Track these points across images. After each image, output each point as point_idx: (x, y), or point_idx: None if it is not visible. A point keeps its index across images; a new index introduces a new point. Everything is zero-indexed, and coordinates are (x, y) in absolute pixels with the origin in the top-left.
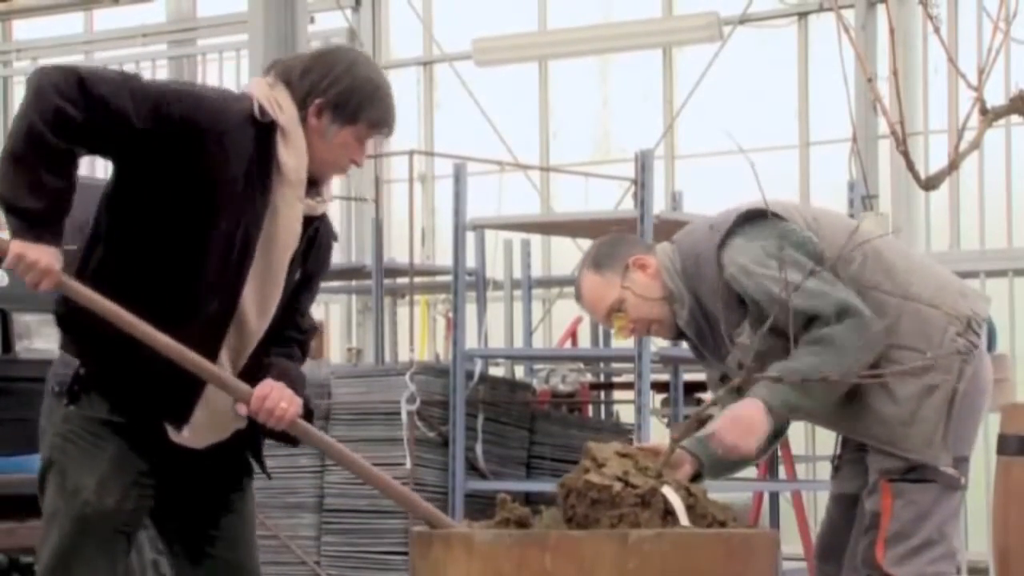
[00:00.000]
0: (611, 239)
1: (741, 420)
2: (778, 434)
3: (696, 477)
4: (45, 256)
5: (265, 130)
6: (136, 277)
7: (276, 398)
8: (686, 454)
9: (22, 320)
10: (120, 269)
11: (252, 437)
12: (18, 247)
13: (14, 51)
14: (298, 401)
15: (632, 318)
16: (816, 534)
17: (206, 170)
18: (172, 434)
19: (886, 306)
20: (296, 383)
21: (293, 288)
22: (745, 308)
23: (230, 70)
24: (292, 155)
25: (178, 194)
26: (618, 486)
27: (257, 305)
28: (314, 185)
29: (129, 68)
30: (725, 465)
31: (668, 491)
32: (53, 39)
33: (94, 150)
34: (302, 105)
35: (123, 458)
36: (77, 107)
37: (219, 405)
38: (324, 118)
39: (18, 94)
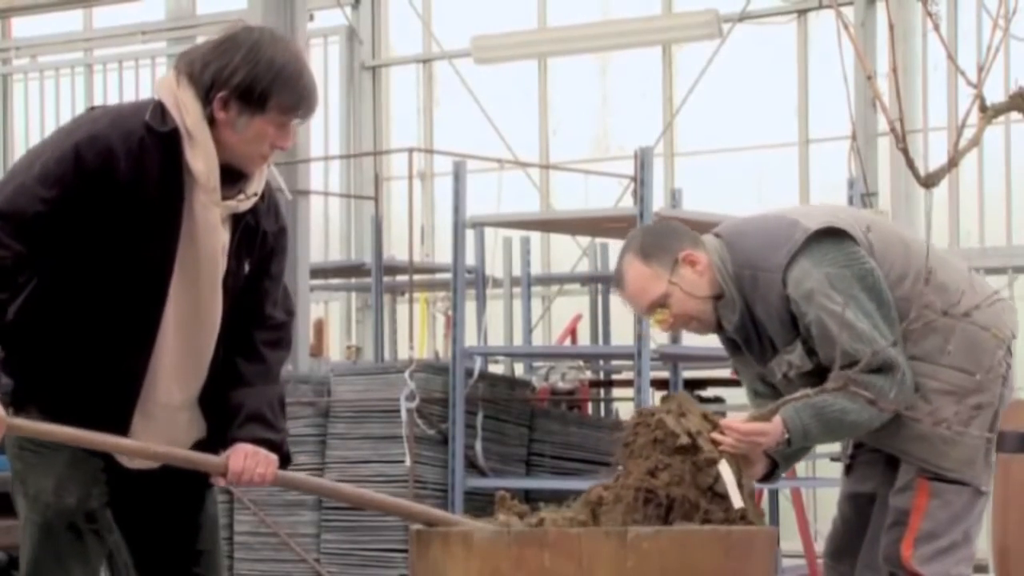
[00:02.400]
0: (659, 227)
1: (758, 434)
2: (789, 457)
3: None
4: None
5: (169, 138)
6: (63, 303)
7: (251, 469)
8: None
9: None
10: (47, 297)
11: (210, 449)
12: None
13: (13, 48)
14: (273, 459)
15: (675, 313)
16: (828, 533)
17: (119, 196)
18: (121, 459)
19: (936, 324)
20: (269, 420)
21: (247, 282)
22: (798, 328)
23: None
24: (200, 159)
25: (95, 220)
26: (685, 439)
27: (194, 315)
28: (239, 179)
29: (128, 65)
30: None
31: (724, 468)
32: (52, 36)
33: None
34: (206, 100)
35: (78, 458)
36: (6, 249)
37: (167, 426)
38: (231, 110)
39: (17, 91)
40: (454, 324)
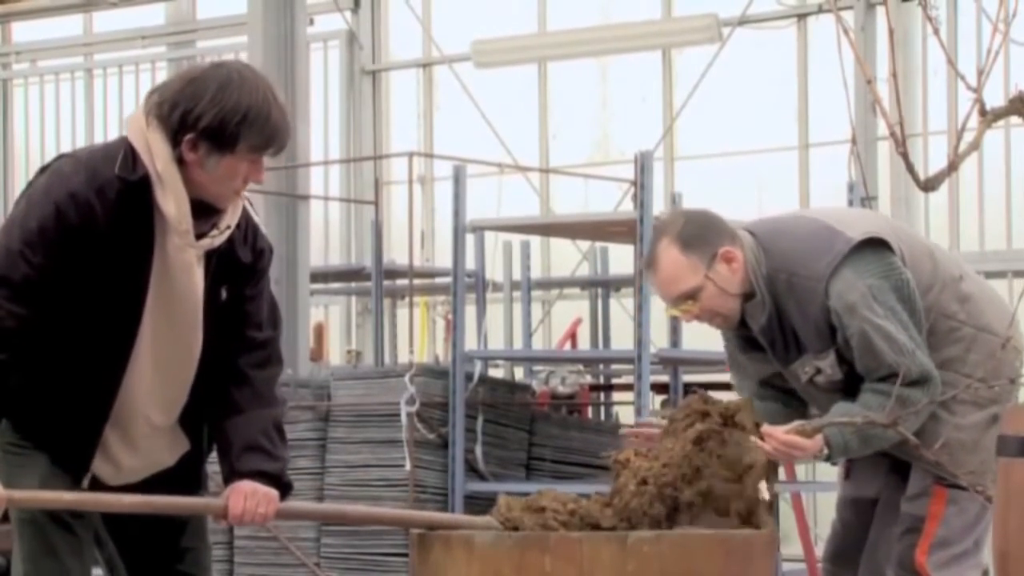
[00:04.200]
0: (701, 216)
1: (797, 447)
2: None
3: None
4: None
5: (140, 185)
6: (38, 334)
7: (252, 510)
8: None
9: None
10: (40, 349)
11: (195, 461)
12: None
13: (13, 53)
14: (273, 496)
15: (704, 307)
16: (827, 537)
17: (97, 244)
18: (104, 476)
19: (959, 333)
20: (267, 448)
21: (227, 307)
22: (834, 338)
23: None
24: (171, 203)
25: (74, 268)
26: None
27: (171, 350)
28: (213, 214)
29: (129, 70)
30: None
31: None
32: (52, 41)
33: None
34: (175, 142)
35: (61, 460)
36: (8, 314)
37: (149, 449)
38: (200, 151)
39: (17, 96)
40: (454, 328)
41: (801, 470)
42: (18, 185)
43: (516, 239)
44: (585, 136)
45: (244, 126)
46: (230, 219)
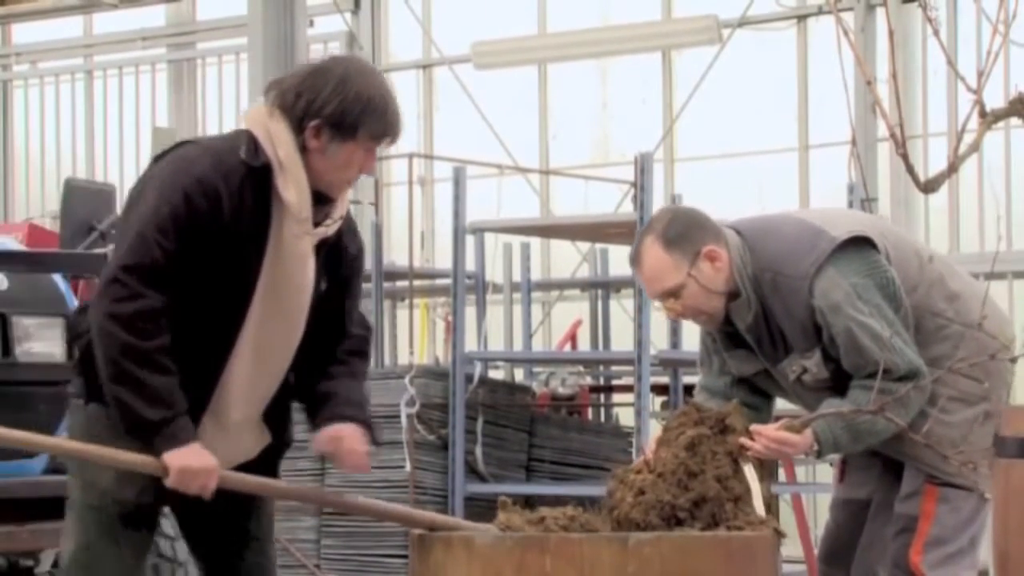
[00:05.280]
0: (685, 214)
1: (787, 443)
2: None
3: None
4: (203, 459)
5: (262, 172)
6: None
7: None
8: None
9: (21, 324)
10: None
11: (275, 454)
12: (176, 460)
13: (13, 55)
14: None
15: (686, 305)
16: (821, 538)
17: (220, 231)
18: None
19: (946, 331)
20: (358, 409)
21: (326, 299)
22: (819, 336)
23: (229, 73)
24: (293, 191)
25: (196, 254)
26: (711, 432)
27: (273, 340)
28: (326, 203)
29: (129, 71)
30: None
31: (749, 471)
32: (52, 42)
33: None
34: (299, 129)
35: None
36: (144, 298)
37: (237, 438)
38: (323, 138)
39: (17, 98)
40: (454, 329)
41: (801, 471)
42: (19, 187)
43: (516, 240)
44: (585, 137)
45: (365, 114)
46: (341, 210)
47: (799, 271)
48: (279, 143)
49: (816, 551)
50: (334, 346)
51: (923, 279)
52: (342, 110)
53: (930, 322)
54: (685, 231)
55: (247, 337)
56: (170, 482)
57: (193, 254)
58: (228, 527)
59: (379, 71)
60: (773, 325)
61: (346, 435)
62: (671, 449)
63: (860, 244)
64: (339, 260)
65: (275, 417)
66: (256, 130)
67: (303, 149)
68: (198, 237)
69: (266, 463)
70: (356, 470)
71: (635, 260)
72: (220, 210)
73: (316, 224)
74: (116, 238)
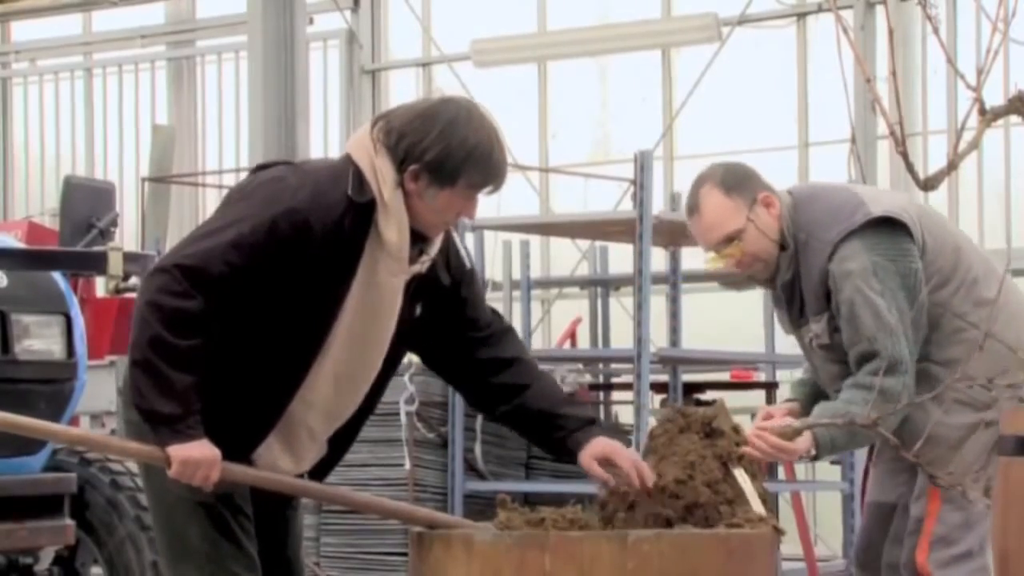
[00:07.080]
0: (736, 164)
1: (786, 451)
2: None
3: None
4: (205, 450)
5: (366, 207)
6: (228, 347)
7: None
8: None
9: (21, 321)
10: (220, 345)
11: (326, 467)
12: (180, 452)
13: (12, 52)
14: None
15: (746, 250)
16: (854, 542)
17: (304, 260)
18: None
19: (964, 335)
20: (573, 404)
21: (422, 322)
22: (829, 302)
23: (229, 71)
24: (393, 230)
25: (273, 278)
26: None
27: (354, 370)
28: (422, 241)
29: (128, 69)
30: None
31: (740, 472)
32: (52, 40)
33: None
34: (400, 169)
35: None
36: (191, 299)
37: (301, 453)
38: (421, 183)
39: (17, 96)
40: None
41: (801, 470)
42: (18, 185)
43: (516, 238)
44: (585, 135)
45: (467, 163)
46: (436, 248)
47: (828, 236)
48: (383, 182)
49: (815, 549)
50: (478, 344)
51: (955, 276)
52: (443, 157)
53: (950, 322)
54: (741, 178)
55: (327, 363)
56: (172, 473)
57: (269, 275)
58: (275, 514)
59: (491, 117)
60: (798, 288)
61: (614, 452)
62: (657, 456)
63: (895, 227)
64: (431, 289)
65: (341, 435)
66: (362, 162)
67: (402, 189)
68: (278, 262)
69: (314, 475)
70: (639, 476)
71: (693, 208)
72: (308, 241)
73: (410, 261)
74: (195, 229)
